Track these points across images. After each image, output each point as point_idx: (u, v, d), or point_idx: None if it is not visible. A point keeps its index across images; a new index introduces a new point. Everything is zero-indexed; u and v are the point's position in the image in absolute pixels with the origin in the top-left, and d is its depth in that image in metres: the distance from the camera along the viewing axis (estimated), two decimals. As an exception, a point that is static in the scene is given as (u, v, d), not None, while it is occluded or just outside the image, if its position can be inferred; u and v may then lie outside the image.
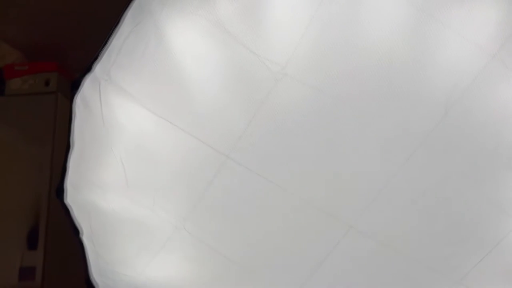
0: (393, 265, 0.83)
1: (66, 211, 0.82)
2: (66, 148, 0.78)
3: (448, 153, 0.74)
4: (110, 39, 0.71)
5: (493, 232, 0.81)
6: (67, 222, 0.83)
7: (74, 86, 0.74)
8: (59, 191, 0.80)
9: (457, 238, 0.81)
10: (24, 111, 1.77)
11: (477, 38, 0.68)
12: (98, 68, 0.73)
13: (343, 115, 0.72)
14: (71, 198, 0.81)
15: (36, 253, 1.61)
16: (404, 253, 0.82)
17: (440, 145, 0.74)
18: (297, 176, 0.77)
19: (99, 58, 0.72)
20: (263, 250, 0.83)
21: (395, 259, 0.82)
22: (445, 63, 0.69)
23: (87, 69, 0.73)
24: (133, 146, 0.77)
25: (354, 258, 0.82)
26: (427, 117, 0.72)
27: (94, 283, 0.87)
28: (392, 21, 0.68)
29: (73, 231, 0.83)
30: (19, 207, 1.67)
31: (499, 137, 0.74)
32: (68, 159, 0.79)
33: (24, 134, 1.76)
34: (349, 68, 0.70)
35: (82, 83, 0.74)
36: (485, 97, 0.72)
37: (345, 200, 0.78)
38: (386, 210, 0.78)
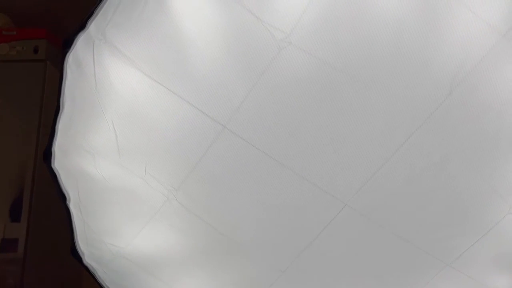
0: (385, 245, 0.83)
1: (53, 176, 0.79)
2: (55, 110, 0.75)
3: (449, 135, 0.73)
4: (107, -5, 0.67)
5: (487, 216, 0.80)
6: (53, 191, 0.79)
7: (66, 44, 0.70)
8: (47, 155, 0.77)
9: (450, 221, 0.80)
10: (11, 79, 1.71)
11: (489, 16, 0.66)
12: (93, 26, 0.69)
13: (346, 88, 0.69)
14: (58, 163, 0.78)
15: (19, 225, 1.58)
16: (396, 233, 0.81)
17: (441, 126, 0.72)
18: (295, 150, 0.75)
19: (94, 15, 0.68)
20: (255, 224, 0.81)
21: (388, 239, 0.82)
22: (454, 40, 0.67)
23: (81, 26, 0.69)
24: (126, 111, 0.74)
25: (347, 236, 0.81)
26: (431, 96, 0.70)
27: (80, 253, 0.85)
28: None
29: (60, 197, 0.80)
30: (3, 178, 1.62)
31: (500, 121, 0.73)
32: (57, 122, 0.75)
33: (10, 102, 1.70)
34: (356, 39, 0.67)
35: (75, 41, 0.70)
36: (490, 79, 0.70)
37: (342, 177, 0.76)
38: (382, 189, 0.77)
